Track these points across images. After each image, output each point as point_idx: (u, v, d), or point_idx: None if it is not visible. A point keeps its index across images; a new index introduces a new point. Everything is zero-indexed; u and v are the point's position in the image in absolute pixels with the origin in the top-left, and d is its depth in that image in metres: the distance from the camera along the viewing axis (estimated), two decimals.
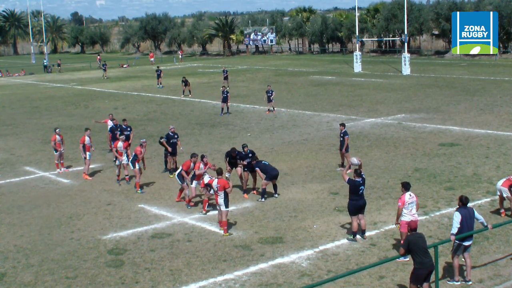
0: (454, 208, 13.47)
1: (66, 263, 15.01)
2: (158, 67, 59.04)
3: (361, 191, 15.48)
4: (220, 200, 16.63)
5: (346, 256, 14.64)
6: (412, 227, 12.02)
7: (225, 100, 36.35)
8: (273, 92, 37.31)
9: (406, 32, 61.77)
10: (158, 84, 54.54)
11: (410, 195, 14.26)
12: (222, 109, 36.59)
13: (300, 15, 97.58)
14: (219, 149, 26.89)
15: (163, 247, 15.74)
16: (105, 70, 66.05)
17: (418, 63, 66.62)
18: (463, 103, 37.77)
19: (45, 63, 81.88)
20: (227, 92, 36.55)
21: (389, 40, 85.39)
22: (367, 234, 15.90)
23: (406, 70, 57.57)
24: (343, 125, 22.57)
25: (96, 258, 15.22)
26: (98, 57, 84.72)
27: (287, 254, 14.94)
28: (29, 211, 19.47)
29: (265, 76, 61.18)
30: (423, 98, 40.68)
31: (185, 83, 47.07)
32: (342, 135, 22.37)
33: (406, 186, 14.34)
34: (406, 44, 61.27)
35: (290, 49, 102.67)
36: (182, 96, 46.61)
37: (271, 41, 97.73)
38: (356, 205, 15.47)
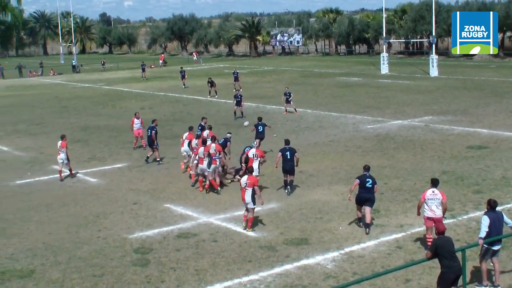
0: (482, 212, 13.26)
1: (93, 261, 15.13)
2: (181, 67, 59.13)
3: (368, 184, 16.16)
4: (248, 197, 16.70)
5: (372, 259, 14.52)
6: (439, 230, 11.87)
7: (238, 104, 35.93)
8: (291, 94, 37.26)
9: (434, 34, 61.19)
10: (183, 84, 54.74)
11: (433, 192, 14.53)
12: (235, 113, 36.12)
13: (326, 16, 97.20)
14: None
15: (188, 247, 15.77)
16: (143, 70, 66.05)
17: (446, 64, 65.94)
18: (492, 106, 37.26)
19: (73, 63, 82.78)
20: (240, 96, 36.20)
21: (416, 42, 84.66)
22: (393, 236, 15.78)
23: (433, 72, 57.00)
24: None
25: (122, 257, 15.31)
26: (163, 55, 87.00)
27: (312, 255, 14.87)
28: (57, 209, 19.68)
29: (291, 77, 61.07)
30: (451, 100, 40.24)
31: (211, 84, 47.13)
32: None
33: (433, 182, 14.78)
34: (434, 45, 60.68)
35: (316, 50, 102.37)
36: (208, 96, 46.73)
37: (298, 42, 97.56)
38: (361, 198, 16.32)
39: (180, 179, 22.60)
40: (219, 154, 20.92)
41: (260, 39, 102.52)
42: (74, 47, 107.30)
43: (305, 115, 36.65)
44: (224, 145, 22.46)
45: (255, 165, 19.99)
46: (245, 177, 17.00)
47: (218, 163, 20.85)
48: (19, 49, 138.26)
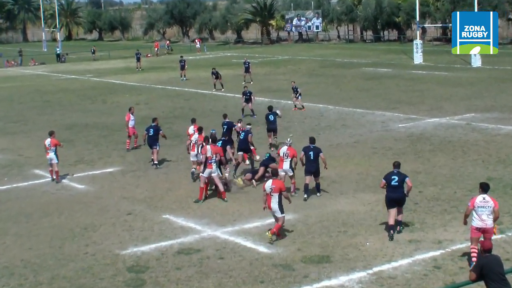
0: None
1: (80, 281, 15.09)
2: (181, 56, 58.99)
3: (393, 182, 16.81)
4: (274, 204, 16.92)
5: (405, 280, 14.39)
6: (485, 248, 11.68)
7: (247, 101, 35.81)
8: (298, 89, 37.31)
9: None
10: (181, 76, 54.74)
11: (484, 199, 14.58)
12: (243, 110, 35.78)
13: None
14: (257, 152, 26.79)
15: (190, 264, 15.71)
16: (138, 60, 65.95)
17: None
18: None
19: (58, 52, 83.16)
20: (250, 92, 35.98)
21: None
22: (430, 254, 15.68)
23: (476, 61, 56.76)
24: None
25: (114, 276, 15.27)
26: (168, 42, 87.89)
27: (335, 275, 14.76)
28: (39, 220, 19.67)
29: (309, 68, 61.02)
30: (497, 95, 40.00)
31: (216, 75, 47.05)
32: None
33: (483, 187, 14.86)
34: None
35: (338, 36, 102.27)
36: (214, 90, 46.73)
37: (317, 27, 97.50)
38: (388, 198, 16.90)
39: (181, 186, 22.55)
40: (216, 156, 20.94)
41: (274, 23, 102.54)
42: (58, 33, 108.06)
43: (326, 112, 36.54)
44: (245, 137, 23.66)
45: (286, 165, 20.39)
46: (269, 182, 17.20)
47: (214, 167, 20.85)
48: None
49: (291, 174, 20.66)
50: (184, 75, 54.67)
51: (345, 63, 63.95)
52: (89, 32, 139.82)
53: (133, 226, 18.74)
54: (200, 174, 21.06)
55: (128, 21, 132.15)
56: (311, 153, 20.51)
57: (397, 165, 17.24)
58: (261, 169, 22.32)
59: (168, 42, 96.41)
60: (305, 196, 20.48)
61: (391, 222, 16.80)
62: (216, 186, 21.04)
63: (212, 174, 20.73)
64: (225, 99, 42.41)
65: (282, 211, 17.00)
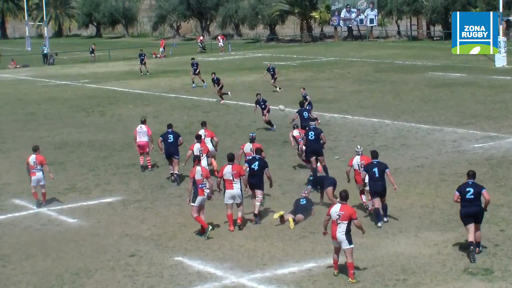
0: None
1: None
2: (193, 58, 58.96)
3: (469, 195, 18.12)
4: (341, 235, 17.34)
5: None
6: None
7: (264, 110, 37.30)
8: (308, 96, 37.52)
9: None
10: (193, 82, 54.94)
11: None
12: (268, 123, 37.40)
13: None
14: (292, 177, 26.83)
15: None
16: (142, 62, 66.42)
17: None
18: None
19: (45, 51, 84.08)
20: (264, 101, 37.12)
21: None
22: None
23: None
24: None
25: None
26: (201, 38, 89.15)
27: None
28: (18, 263, 19.82)
29: (361, 72, 60.99)
30: None
31: (217, 82, 47.14)
32: None
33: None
34: None
35: (398, 32, 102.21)
36: (222, 101, 46.62)
37: (371, 21, 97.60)
38: (463, 213, 18.29)
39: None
40: (206, 180, 21.42)
41: (316, 16, 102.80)
42: (45, 28, 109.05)
43: (381, 128, 36.49)
44: (317, 136, 25.55)
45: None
46: (337, 207, 17.60)
47: (206, 194, 21.41)
48: None
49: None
50: (202, 80, 54.71)
51: (406, 67, 63.75)
52: (84, 27, 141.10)
53: (137, 271, 18.84)
54: (190, 203, 21.42)
55: (133, 13, 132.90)
56: (375, 169, 21.34)
57: (472, 174, 18.43)
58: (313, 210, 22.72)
59: (201, 38, 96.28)
60: (379, 224, 21.29)
61: (471, 238, 18.06)
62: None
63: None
64: (255, 112, 42.36)
65: (350, 242, 17.43)
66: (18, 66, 79.23)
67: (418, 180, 26.43)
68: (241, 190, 21.96)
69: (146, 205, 24.83)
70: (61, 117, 44.36)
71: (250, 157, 23.83)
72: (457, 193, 18.45)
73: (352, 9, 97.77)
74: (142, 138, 29.30)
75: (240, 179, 21.91)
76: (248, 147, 25.18)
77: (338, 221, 17.39)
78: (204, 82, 54.20)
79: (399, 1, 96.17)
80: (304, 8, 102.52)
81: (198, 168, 21.43)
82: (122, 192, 26.64)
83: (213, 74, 48.06)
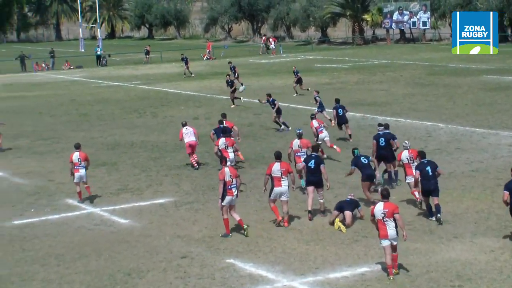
0: None
1: None
2: (229, 62, 59.30)
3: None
4: (392, 231, 17.66)
5: None
6: None
7: (278, 112, 37.62)
8: (318, 98, 38.09)
9: None
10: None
11: None
12: (278, 123, 37.91)
13: None
14: (344, 180, 26.62)
15: None
16: (186, 64, 67.26)
17: None
18: None
19: (98, 53, 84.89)
20: (274, 101, 37.63)
21: None
22: None
23: None
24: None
25: None
26: (268, 38, 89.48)
27: None
28: (72, 262, 19.98)
29: (413, 75, 60.56)
30: None
31: (230, 85, 47.09)
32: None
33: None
34: None
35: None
36: (232, 106, 46.52)
37: (424, 23, 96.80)
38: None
39: (250, 222, 22.53)
40: (234, 179, 21.57)
41: (368, 18, 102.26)
42: (98, 30, 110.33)
43: (435, 131, 36.17)
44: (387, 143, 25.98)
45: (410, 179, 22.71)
46: (380, 205, 17.81)
47: (235, 194, 21.55)
48: (22, 31, 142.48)
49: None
50: (241, 84, 54.69)
51: (460, 70, 63.19)
52: (137, 29, 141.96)
53: (188, 272, 18.84)
54: (219, 202, 21.60)
55: (185, 14, 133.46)
56: (428, 168, 21.86)
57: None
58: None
59: (272, 38, 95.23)
60: (434, 218, 21.93)
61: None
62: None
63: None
64: (305, 113, 42.22)
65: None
66: (72, 67, 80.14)
67: (473, 184, 26.15)
68: (288, 187, 22.20)
69: (198, 206, 24.88)
70: (113, 118, 44.71)
71: (306, 155, 24.64)
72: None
73: (404, 12, 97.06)
74: (191, 138, 29.78)
75: (288, 176, 22.13)
76: (296, 143, 25.79)
77: (385, 219, 17.58)
78: (242, 85, 54.24)
79: (452, 3, 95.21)
80: (356, 11, 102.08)
81: (226, 169, 21.52)
82: (174, 193, 26.73)
83: (227, 76, 48.49)
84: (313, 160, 22.93)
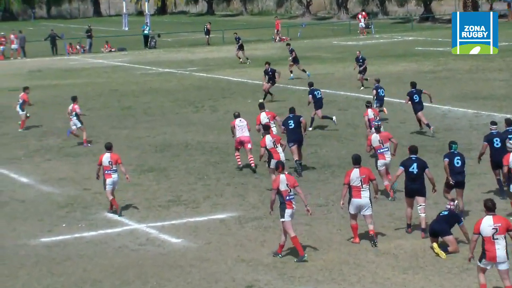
0: None
1: None
2: (288, 44, 58.74)
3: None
4: (502, 251, 17.66)
5: None
6: None
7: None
8: (379, 90, 38.84)
9: None
10: (291, 72, 55.40)
11: None
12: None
13: None
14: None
15: None
16: (240, 47, 67.72)
17: None
18: None
19: (145, 32, 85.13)
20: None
21: None
22: None
23: None
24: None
25: None
26: (279, 20, 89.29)
27: None
28: None
29: None
30: None
31: (270, 74, 46.80)
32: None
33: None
34: None
35: None
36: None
37: None
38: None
39: (332, 244, 22.48)
40: (292, 189, 21.59)
41: None
42: (146, 4, 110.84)
43: None
44: None
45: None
46: (489, 219, 17.64)
47: (294, 207, 21.68)
48: (53, 5, 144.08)
49: None
50: (303, 70, 54.45)
51: None
52: (193, 2, 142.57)
53: None
54: (281, 219, 21.65)
55: None
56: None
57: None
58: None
59: (362, 13, 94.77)
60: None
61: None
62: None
63: None
64: (403, 109, 41.94)
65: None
66: (113, 50, 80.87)
67: None
68: (370, 198, 22.26)
69: (267, 223, 24.82)
70: (163, 112, 44.86)
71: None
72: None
73: None
74: (244, 133, 30.57)
75: (370, 184, 22.25)
76: (375, 138, 26.48)
77: (494, 237, 17.39)
78: (305, 72, 54.09)
79: None
80: None
81: (282, 176, 21.57)
82: (238, 206, 26.71)
83: (267, 65, 47.57)
84: (415, 164, 22.89)
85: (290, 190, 21.41)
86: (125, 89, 54.41)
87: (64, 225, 25.54)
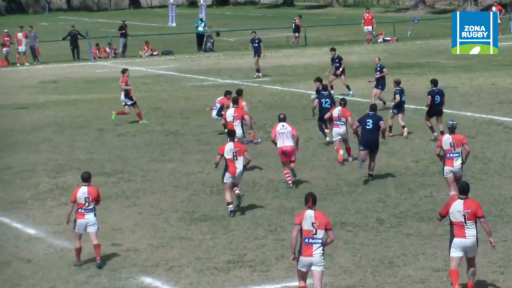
0: None
1: None
2: (333, 49, 58.42)
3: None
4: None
5: None
6: None
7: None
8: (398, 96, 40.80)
9: None
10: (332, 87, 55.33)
11: None
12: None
13: None
14: None
15: None
16: (257, 52, 67.23)
17: None
18: None
19: (199, 29, 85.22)
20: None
21: None
22: None
23: None
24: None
25: None
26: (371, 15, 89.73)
27: None
28: None
29: None
30: None
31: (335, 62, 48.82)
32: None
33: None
34: None
35: None
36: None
37: None
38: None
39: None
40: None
41: None
42: None
43: None
44: None
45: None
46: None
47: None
48: None
49: None
50: (347, 87, 54.71)
51: None
52: None
53: None
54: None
55: None
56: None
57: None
58: None
59: (496, 5, 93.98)
60: None
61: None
62: None
63: None
64: (484, 122, 41.94)
65: None
66: (155, 53, 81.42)
67: None
68: (476, 238, 22.33)
69: None
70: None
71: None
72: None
73: None
74: (288, 142, 32.17)
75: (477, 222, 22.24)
76: (447, 140, 29.20)
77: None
78: (349, 90, 54.31)
79: None
80: None
81: (309, 212, 21.60)
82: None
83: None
84: None
85: (316, 231, 21.38)
86: (171, 107, 54.69)
87: None
